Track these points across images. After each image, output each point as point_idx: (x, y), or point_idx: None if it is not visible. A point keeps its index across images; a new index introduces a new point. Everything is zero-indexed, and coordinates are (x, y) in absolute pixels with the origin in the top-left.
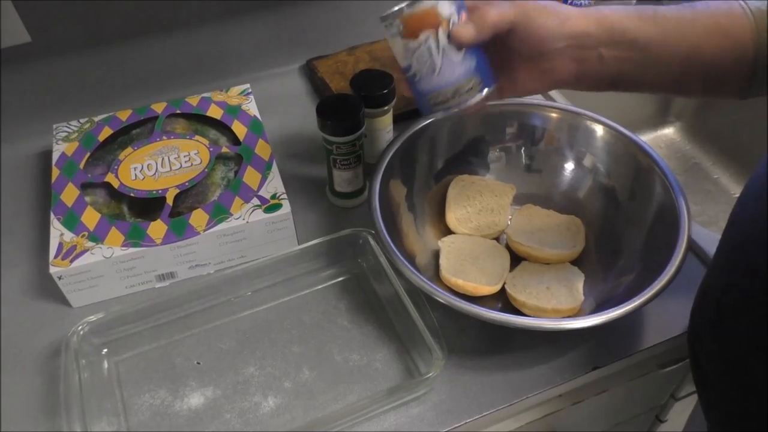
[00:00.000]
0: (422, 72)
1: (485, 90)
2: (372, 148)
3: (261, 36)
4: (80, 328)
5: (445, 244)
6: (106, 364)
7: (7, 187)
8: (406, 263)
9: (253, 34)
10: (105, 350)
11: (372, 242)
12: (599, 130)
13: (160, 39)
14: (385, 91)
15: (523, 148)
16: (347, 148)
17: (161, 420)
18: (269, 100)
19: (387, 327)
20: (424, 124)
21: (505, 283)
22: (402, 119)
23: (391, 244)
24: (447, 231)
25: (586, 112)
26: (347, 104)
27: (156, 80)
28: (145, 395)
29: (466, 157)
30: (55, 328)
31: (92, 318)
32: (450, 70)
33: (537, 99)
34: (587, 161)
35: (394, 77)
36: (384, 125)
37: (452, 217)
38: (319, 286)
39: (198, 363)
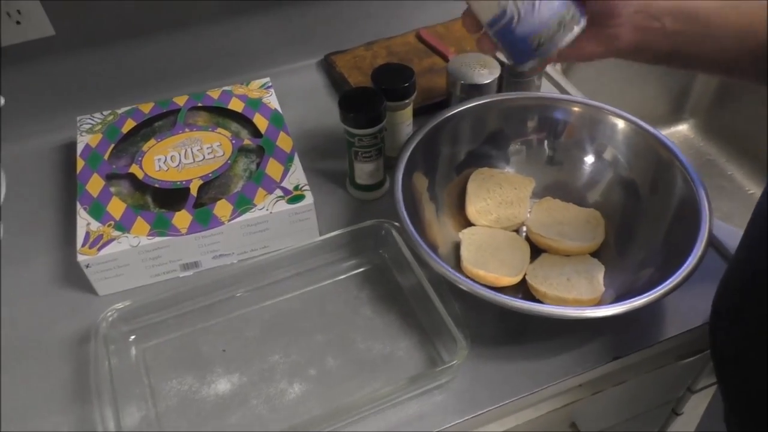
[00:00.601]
0: (522, 11)
1: (582, 22)
2: (392, 141)
3: (279, 31)
4: (109, 315)
5: (466, 235)
6: (134, 351)
7: (32, 178)
8: (431, 253)
9: (271, 30)
10: (133, 337)
11: (394, 233)
12: (620, 124)
13: (180, 33)
14: (407, 85)
15: (544, 142)
16: (369, 140)
17: (189, 405)
18: (288, 94)
19: (409, 317)
20: (446, 116)
21: (525, 275)
22: (421, 113)
23: (416, 235)
24: (466, 223)
25: (607, 107)
26: (369, 97)
27: (177, 74)
28: (172, 381)
29: (487, 150)
30: (83, 315)
31: (120, 305)
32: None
33: (557, 93)
34: (608, 155)
35: (414, 71)
36: (404, 118)
37: (472, 209)
38: (341, 277)
39: (224, 350)
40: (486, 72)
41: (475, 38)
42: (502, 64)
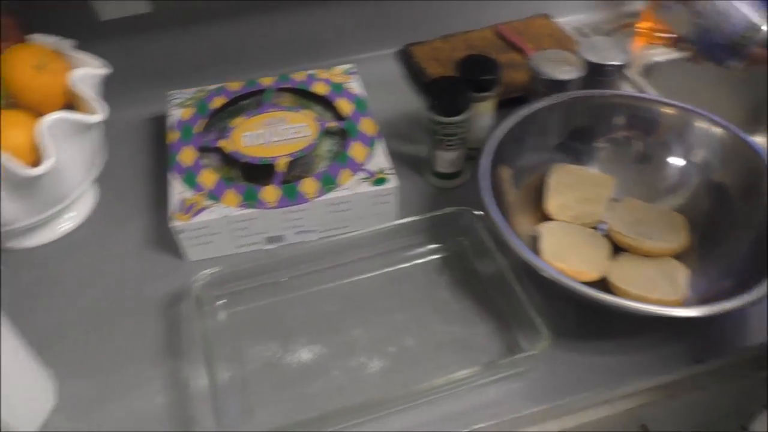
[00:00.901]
0: (714, 20)
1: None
2: (472, 132)
3: (360, 20)
4: (201, 278)
5: (546, 229)
6: (222, 315)
7: (125, 146)
8: (518, 242)
9: (353, 18)
10: (222, 301)
11: (476, 221)
12: (711, 128)
13: (268, 17)
14: (492, 77)
15: (630, 141)
16: (453, 129)
17: (272, 370)
18: (366, 81)
19: (487, 303)
20: (534, 110)
21: (605, 272)
22: (501, 106)
23: (503, 223)
24: (542, 217)
25: (698, 110)
26: (456, 86)
27: (262, 56)
28: (257, 346)
29: (570, 146)
30: (172, 278)
31: (210, 271)
32: None
33: (647, 93)
34: (696, 158)
35: (500, 64)
36: (486, 110)
37: (552, 204)
38: (420, 261)
39: (305, 322)
40: (569, 69)
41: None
42: (585, 62)
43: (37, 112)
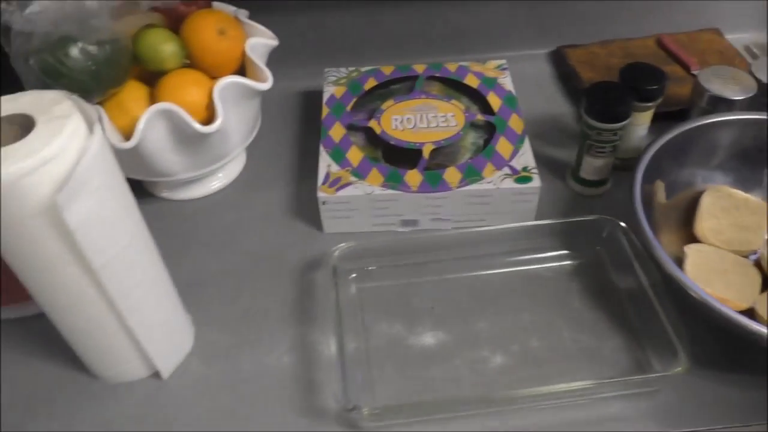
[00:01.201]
0: None
1: None
2: (624, 142)
3: (516, 17)
4: (337, 250)
5: (692, 251)
6: (353, 288)
7: (277, 116)
8: (668, 258)
9: (508, 15)
10: (353, 275)
11: (619, 232)
12: None
13: (424, 7)
14: (656, 87)
15: None
16: (608, 136)
17: (395, 349)
18: (517, 79)
19: (621, 317)
20: (699, 125)
21: (754, 303)
22: (657, 119)
23: (654, 238)
24: (690, 238)
25: None
26: (618, 92)
27: (413, 43)
28: (383, 324)
29: (732, 168)
30: (308, 247)
31: (345, 245)
32: None
33: None
34: None
35: (666, 74)
36: (643, 121)
37: (704, 226)
38: (553, 264)
39: (432, 308)
40: (737, 88)
41: None
42: (757, 82)
43: (212, 75)
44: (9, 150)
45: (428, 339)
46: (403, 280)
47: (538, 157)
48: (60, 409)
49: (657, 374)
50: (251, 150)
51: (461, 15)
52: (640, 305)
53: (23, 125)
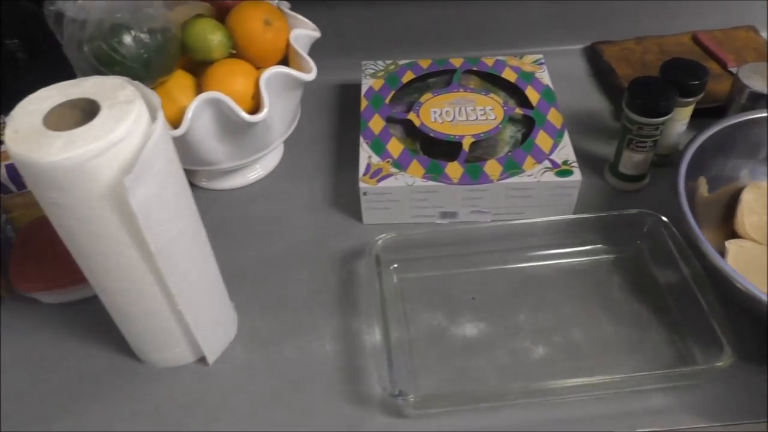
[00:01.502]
0: None
1: None
2: (664, 137)
3: (551, 13)
4: (379, 240)
5: (734, 246)
6: (395, 278)
7: (315, 109)
8: (714, 251)
9: (544, 10)
10: (395, 266)
11: (660, 226)
12: None
13: (462, 2)
14: (697, 83)
15: None
16: (649, 130)
17: (437, 339)
18: (551, 75)
19: (662, 311)
20: (742, 121)
21: None
22: (696, 115)
23: (698, 231)
24: (729, 233)
25: None
26: (660, 87)
27: (449, 38)
28: (424, 314)
29: None
30: (348, 237)
31: (389, 235)
32: None
33: None
34: None
35: (708, 70)
36: (683, 117)
37: (745, 222)
38: (594, 257)
39: (473, 298)
40: None
41: None
42: None
43: (256, 65)
44: (77, 133)
45: (469, 329)
46: (444, 272)
47: (576, 152)
48: (107, 392)
49: (700, 367)
50: (288, 142)
51: (498, 11)
52: (682, 299)
53: (86, 110)
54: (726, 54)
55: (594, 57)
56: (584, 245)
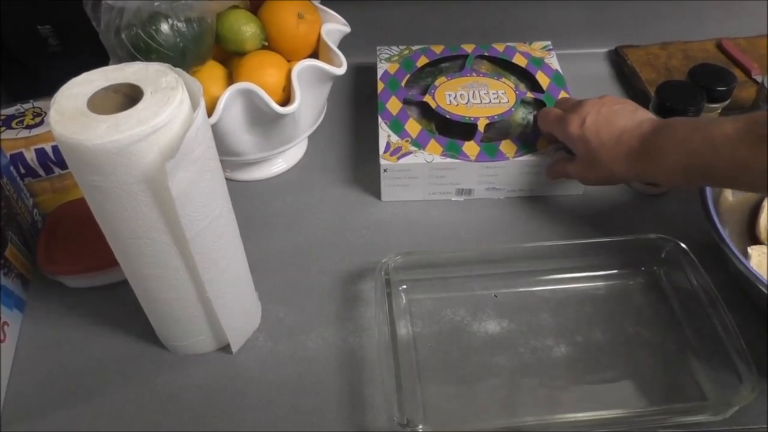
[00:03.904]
0: None
1: None
2: None
3: (574, 16)
4: (393, 262)
5: (756, 252)
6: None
7: (337, 87)
8: (740, 255)
9: (567, 13)
10: (405, 287)
11: (679, 254)
12: None
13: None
14: (725, 89)
15: None
16: None
17: (460, 334)
18: (574, 78)
19: (682, 342)
20: None
21: None
22: None
23: (724, 233)
24: (752, 240)
25: None
26: (689, 92)
27: (466, 29)
28: (447, 310)
29: None
30: (367, 213)
31: (400, 258)
32: None
33: None
34: None
35: (736, 77)
36: None
37: (766, 228)
38: (608, 282)
39: (495, 296)
40: None
41: None
42: None
43: (288, 57)
44: (121, 117)
45: (492, 326)
46: (465, 272)
47: None
48: (131, 377)
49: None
50: (312, 137)
51: (520, 13)
52: (699, 326)
53: (128, 95)
54: (750, 61)
55: (618, 61)
56: (602, 269)
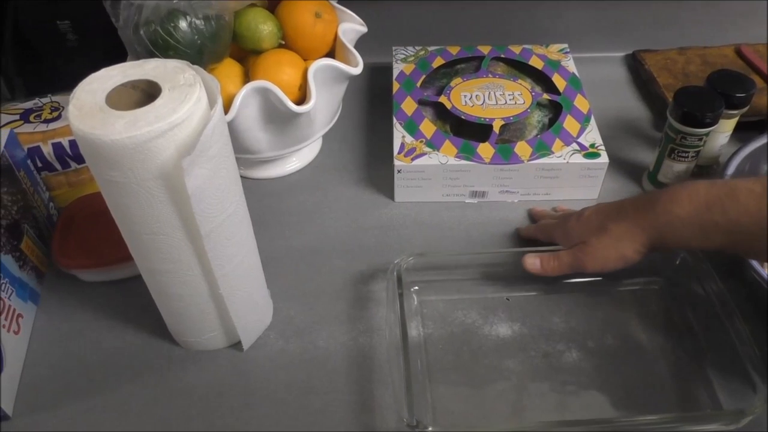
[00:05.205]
0: None
1: None
2: (704, 148)
3: (592, 20)
4: (407, 261)
5: None
6: (429, 275)
7: (352, 87)
8: (756, 264)
9: (585, 16)
10: (416, 288)
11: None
12: None
13: (505, 5)
14: (744, 95)
15: None
16: (692, 140)
17: (471, 336)
18: (591, 81)
19: (696, 350)
20: None
21: None
22: (738, 128)
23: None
24: None
25: None
26: (707, 98)
27: (483, 31)
28: (458, 312)
29: None
30: (379, 214)
31: (413, 259)
32: None
33: None
34: None
35: (755, 83)
36: (726, 129)
37: None
38: (621, 289)
39: (507, 299)
40: None
41: None
42: None
43: (304, 56)
44: (139, 113)
45: (503, 329)
46: (476, 275)
47: (614, 159)
48: (142, 371)
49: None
50: (327, 136)
51: (538, 17)
52: (713, 337)
53: (146, 91)
54: None
55: (635, 65)
56: (613, 275)
